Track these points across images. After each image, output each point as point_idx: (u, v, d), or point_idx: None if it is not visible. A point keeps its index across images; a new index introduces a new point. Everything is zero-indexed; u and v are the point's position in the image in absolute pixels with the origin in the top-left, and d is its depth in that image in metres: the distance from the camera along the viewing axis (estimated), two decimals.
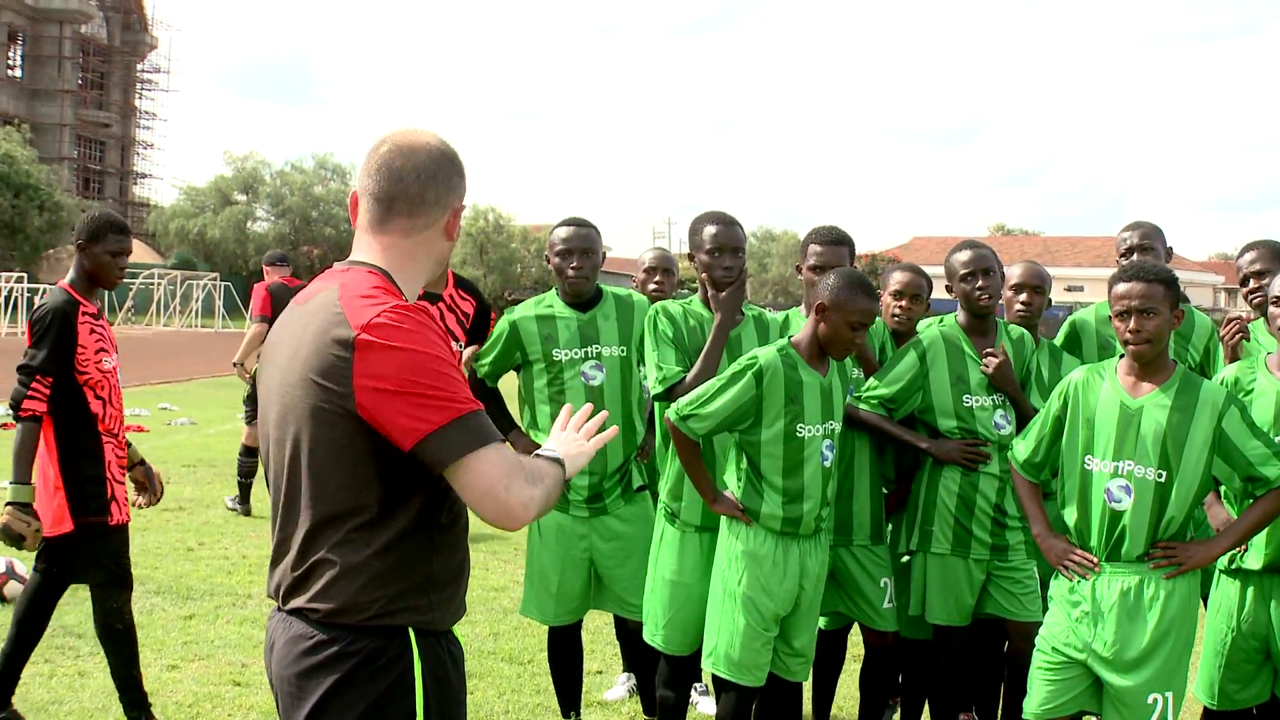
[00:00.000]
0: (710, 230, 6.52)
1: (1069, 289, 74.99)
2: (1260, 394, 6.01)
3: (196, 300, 68.62)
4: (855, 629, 7.24)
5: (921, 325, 7.07)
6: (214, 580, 10.72)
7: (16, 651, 7.07)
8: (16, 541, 6.70)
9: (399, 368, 3.28)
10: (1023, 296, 7.12)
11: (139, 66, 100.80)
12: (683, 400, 6.15)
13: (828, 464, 6.11)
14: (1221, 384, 5.93)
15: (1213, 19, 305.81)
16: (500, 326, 6.98)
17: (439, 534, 3.48)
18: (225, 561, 11.48)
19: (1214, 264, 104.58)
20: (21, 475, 6.68)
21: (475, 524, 6.94)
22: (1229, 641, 6.05)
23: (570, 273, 6.88)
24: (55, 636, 8.63)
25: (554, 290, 7.06)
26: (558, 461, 3.61)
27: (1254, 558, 5.97)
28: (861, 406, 6.64)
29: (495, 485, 3.29)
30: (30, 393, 6.71)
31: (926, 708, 7.12)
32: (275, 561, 3.57)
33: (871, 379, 6.74)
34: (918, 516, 6.73)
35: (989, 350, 6.67)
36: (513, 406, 7.22)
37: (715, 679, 6.29)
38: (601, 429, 3.91)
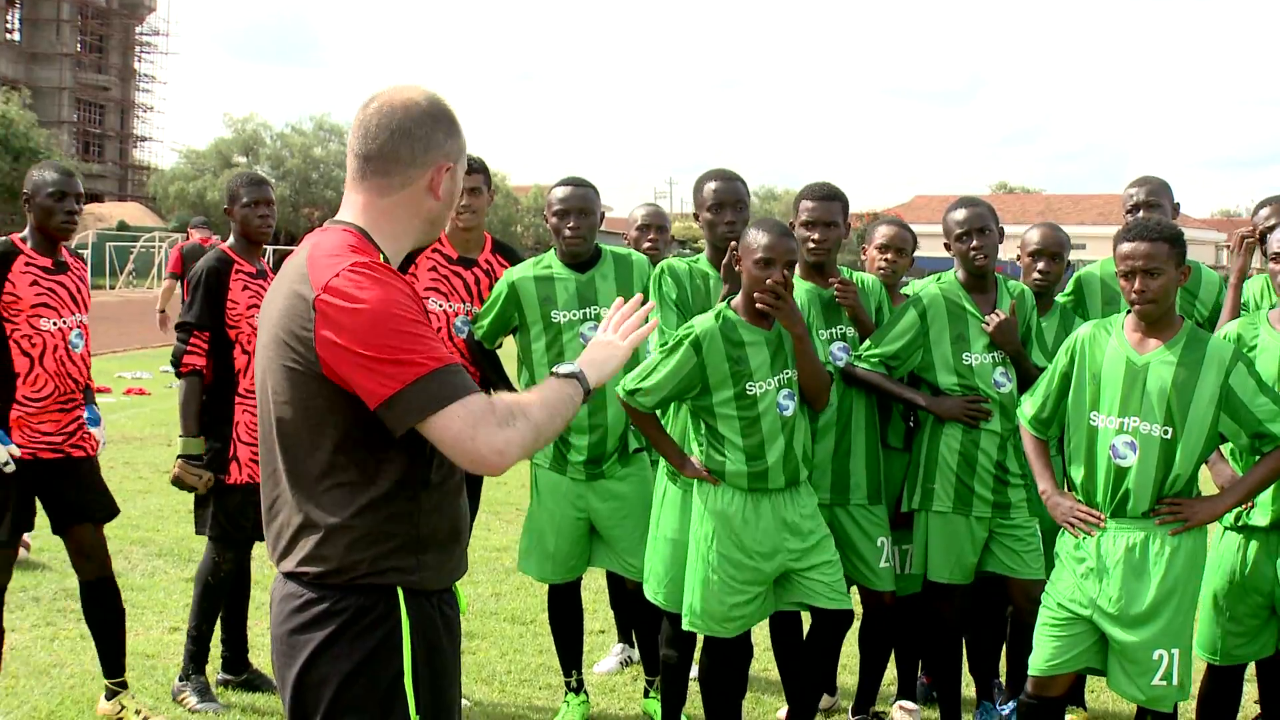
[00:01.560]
0: (711, 186, 6.51)
1: (1071, 247, 74.76)
2: (1263, 350, 5.98)
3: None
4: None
5: (921, 285, 7.03)
6: None
7: (230, 617, 7.48)
8: (189, 491, 7.11)
9: (356, 327, 3.25)
10: (1041, 264, 7.07)
11: (138, 29, 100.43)
12: (629, 375, 6.16)
13: (787, 413, 6.06)
14: (1225, 339, 5.90)
15: None
16: (498, 287, 6.92)
17: (425, 493, 3.44)
18: None
19: (1216, 221, 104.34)
20: (189, 428, 7.04)
21: (485, 483, 6.84)
22: (1232, 597, 6.03)
23: (568, 233, 6.82)
24: (57, 600, 8.64)
25: (552, 250, 7.01)
26: (572, 376, 3.57)
27: (1260, 514, 5.94)
28: (861, 365, 6.60)
29: (460, 437, 3.24)
30: (189, 348, 7.05)
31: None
32: (268, 523, 3.56)
33: (870, 338, 6.70)
34: (919, 475, 6.70)
35: (995, 310, 6.63)
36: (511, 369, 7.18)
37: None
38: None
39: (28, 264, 6.62)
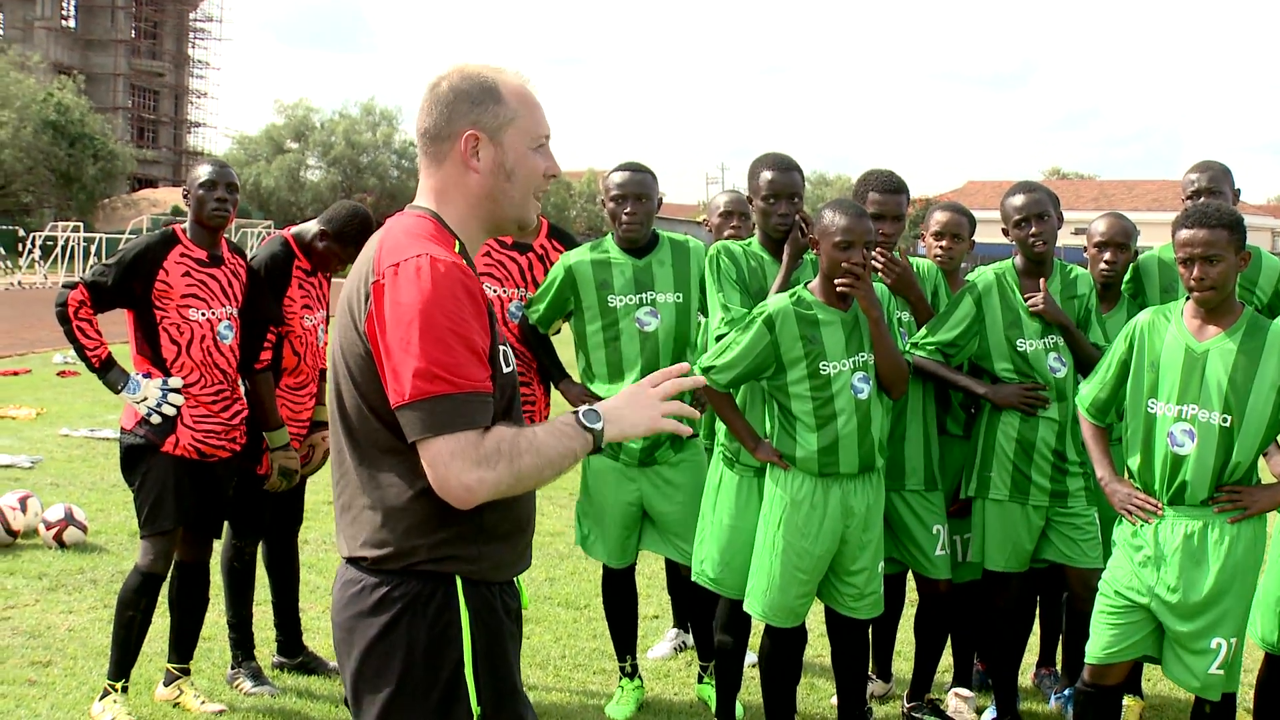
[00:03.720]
0: (766, 176, 6.45)
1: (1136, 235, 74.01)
2: None
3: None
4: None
5: (979, 272, 6.99)
6: None
7: (280, 601, 7.62)
8: (291, 477, 7.12)
9: (398, 322, 3.23)
10: (1107, 255, 6.99)
11: (191, 15, 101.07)
12: (705, 354, 6.19)
13: (862, 396, 6.04)
14: None
15: None
16: (555, 271, 6.91)
17: None
18: None
19: (1272, 207, 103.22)
20: (274, 421, 7.03)
21: None
22: None
23: (625, 219, 6.81)
24: (114, 582, 8.71)
25: (609, 235, 7.00)
26: (589, 431, 3.41)
27: None
28: (918, 354, 6.58)
29: (436, 463, 3.20)
30: (264, 345, 6.99)
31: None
32: (335, 505, 3.55)
33: (926, 326, 6.67)
34: (977, 462, 6.66)
35: (1030, 293, 6.58)
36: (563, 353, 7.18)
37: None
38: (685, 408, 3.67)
39: (183, 254, 6.72)
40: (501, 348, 3.41)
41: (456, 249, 3.43)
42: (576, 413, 3.44)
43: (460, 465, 3.19)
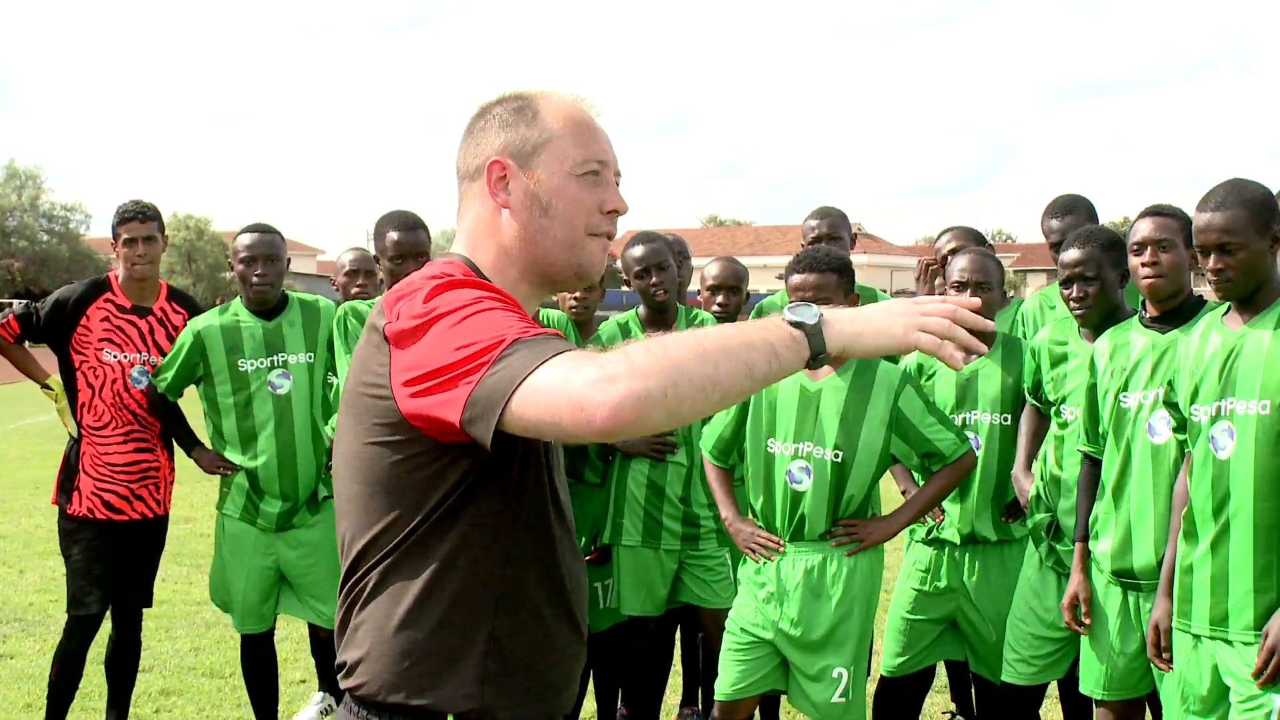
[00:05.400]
0: (392, 237, 6.33)
1: (779, 277, 76.23)
2: (942, 375, 6.24)
3: None
4: None
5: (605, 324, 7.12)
6: None
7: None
8: None
9: (419, 337, 2.58)
10: (719, 297, 7.20)
11: None
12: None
13: None
14: (895, 363, 6.09)
15: (909, 11, 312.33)
16: (183, 338, 6.79)
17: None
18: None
19: (919, 248, 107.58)
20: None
21: (175, 537, 6.67)
22: (914, 607, 6.25)
23: (254, 280, 6.76)
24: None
25: (238, 298, 6.92)
26: (794, 323, 2.56)
27: (950, 530, 6.20)
28: None
29: (553, 386, 2.38)
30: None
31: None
32: None
33: None
34: (610, 510, 6.76)
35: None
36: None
37: None
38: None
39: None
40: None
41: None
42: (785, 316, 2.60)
43: (587, 369, 2.38)
